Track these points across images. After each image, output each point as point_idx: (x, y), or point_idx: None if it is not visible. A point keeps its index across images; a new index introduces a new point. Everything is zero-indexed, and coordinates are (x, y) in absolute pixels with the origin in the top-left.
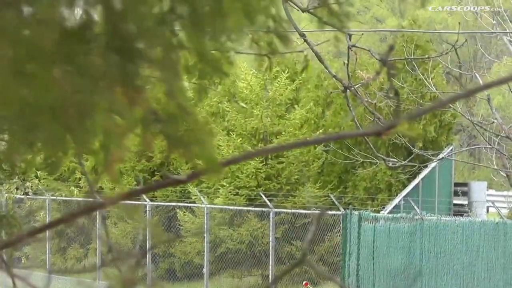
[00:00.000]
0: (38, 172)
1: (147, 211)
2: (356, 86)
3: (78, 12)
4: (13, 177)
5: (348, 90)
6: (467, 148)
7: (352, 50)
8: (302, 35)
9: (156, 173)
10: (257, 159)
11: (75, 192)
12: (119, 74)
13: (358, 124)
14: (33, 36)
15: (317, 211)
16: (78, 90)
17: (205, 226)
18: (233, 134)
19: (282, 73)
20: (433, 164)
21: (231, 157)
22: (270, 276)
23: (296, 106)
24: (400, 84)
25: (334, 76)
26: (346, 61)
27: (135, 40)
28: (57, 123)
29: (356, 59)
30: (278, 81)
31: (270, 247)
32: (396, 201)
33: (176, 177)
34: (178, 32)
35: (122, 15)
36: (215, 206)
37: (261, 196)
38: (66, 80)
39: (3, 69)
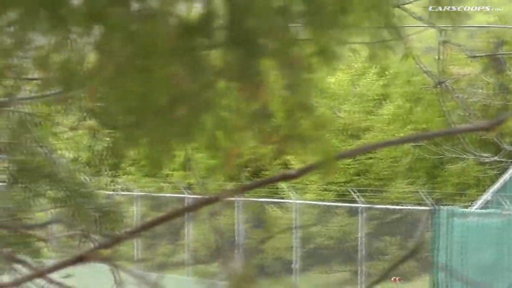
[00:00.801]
0: (127, 168)
1: (237, 207)
2: (448, 81)
3: (199, 6)
4: (102, 173)
5: (439, 86)
6: None
7: (443, 46)
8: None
9: (244, 168)
10: None
11: (164, 188)
12: (241, 69)
13: (450, 120)
14: (153, 32)
15: (406, 207)
16: (197, 85)
17: (295, 222)
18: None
19: (371, 68)
20: None
21: (343, 152)
22: (359, 272)
23: (384, 102)
24: (487, 79)
25: (426, 72)
26: (436, 57)
27: (257, 34)
28: (173, 119)
29: (448, 55)
30: (367, 76)
31: (359, 243)
32: (485, 196)
33: (286, 172)
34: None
35: (246, 9)
36: (304, 201)
37: (350, 192)
38: (185, 75)
39: (121, 65)
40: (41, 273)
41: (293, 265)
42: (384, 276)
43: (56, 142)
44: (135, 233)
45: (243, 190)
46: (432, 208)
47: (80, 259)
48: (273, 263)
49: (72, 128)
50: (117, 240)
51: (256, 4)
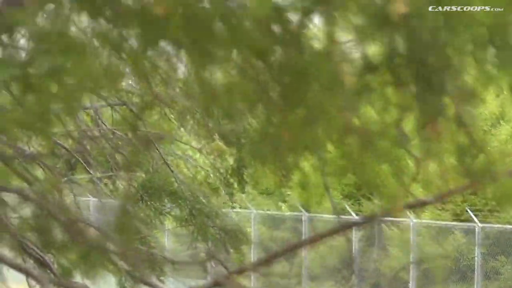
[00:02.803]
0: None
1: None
2: None
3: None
4: (220, 191)
5: None
6: None
7: None
8: None
9: (362, 187)
10: None
11: (282, 207)
12: (422, 105)
13: None
14: (335, 71)
15: None
16: (372, 121)
17: (411, 242)
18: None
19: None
20: None
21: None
22: None
23: (501, 121)
24: None
25: None
26: None
27: (438, 71)
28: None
29: None
30: (483, 95)
31: (476, 262)
32: None
33: (425, 199)
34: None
35: (429, 47)
36: (421, 221)
37: (467, 211)
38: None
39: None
40: None
41: (409, 285)
42: None
43: (178, 161)
44: (275, 257)
45: (388, 213)
46: None
47: (215, 284)
48: (390, 283)
49: (200, 149)
50: (258, 265)
51: (437, 42)
